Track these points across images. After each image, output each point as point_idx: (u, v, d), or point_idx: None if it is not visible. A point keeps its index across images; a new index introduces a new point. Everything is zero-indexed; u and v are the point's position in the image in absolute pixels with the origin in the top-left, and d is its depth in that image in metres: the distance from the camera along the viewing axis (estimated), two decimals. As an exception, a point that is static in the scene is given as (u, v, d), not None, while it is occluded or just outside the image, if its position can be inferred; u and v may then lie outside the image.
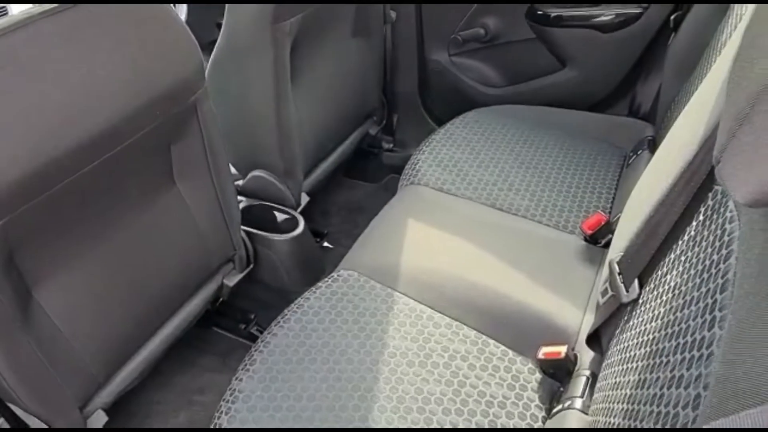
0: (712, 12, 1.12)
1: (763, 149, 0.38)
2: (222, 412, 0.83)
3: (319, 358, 0.88)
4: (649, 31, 1.42)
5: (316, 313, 0.95)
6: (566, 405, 0.78)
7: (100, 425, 1.00)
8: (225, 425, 0.81)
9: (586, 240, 1.08)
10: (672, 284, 0.62)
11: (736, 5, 1.02)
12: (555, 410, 0.79)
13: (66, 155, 0.76)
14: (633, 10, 1.43)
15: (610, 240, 1.03)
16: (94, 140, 0.78)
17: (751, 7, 0.82)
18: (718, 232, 0.52)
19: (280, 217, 1.40)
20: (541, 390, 0.87)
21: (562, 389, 0.85)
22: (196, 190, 1.07)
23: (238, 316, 1.39)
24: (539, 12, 1.52)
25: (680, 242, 0.63)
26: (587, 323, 0.89)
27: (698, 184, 0.62)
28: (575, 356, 0.87)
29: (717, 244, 0.50)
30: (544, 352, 0.87)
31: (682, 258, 0.60)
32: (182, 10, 1.88)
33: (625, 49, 1.47)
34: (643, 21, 1.42)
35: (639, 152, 1.27)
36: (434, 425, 0.80)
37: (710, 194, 0.59)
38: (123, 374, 1.04)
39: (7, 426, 0.88)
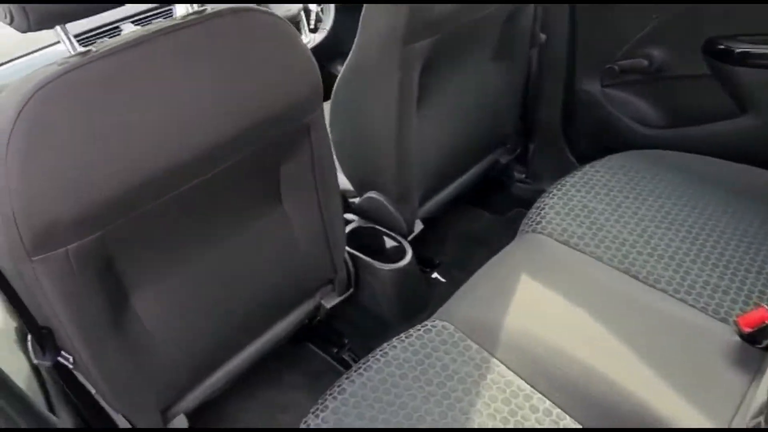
0: None
1: None
2: None
3: (394, 421, 0.80)
4: None
5: (400, 365, 0.87)
6: None
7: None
8: None
9: (741, 336, 0.87)
10: None
11: None
12: None
13: (168, 172, 0.75)
14: None
15: (775, 344, 0.82)
16: (197, 159, 0.77)
17: None
18: None
19: (388, 243, 1.34)
20: None
21: None
22: (301, 210, 1.04)
23: (332, 338, 1.35)
24: (721, 46, 1.28)
25: None
26: (728, 451, 0.70)
27: None
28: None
29: None
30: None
31: None
32: (329, 16, 1.89)
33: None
34: None
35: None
36: None
37: None
38: (209, 382, 1.04)
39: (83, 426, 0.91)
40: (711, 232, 1.07)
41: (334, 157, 1.05)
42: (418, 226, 1.40)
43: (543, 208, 1.15)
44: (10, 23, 0.62)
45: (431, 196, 1.43)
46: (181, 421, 1.02)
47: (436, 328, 0.93)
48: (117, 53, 0.68)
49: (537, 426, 0.79)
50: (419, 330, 0.93)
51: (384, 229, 1.34)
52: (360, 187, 1.37)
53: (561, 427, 0.79)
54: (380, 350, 0.90)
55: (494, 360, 0.87)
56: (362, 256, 1.28)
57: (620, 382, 0.81)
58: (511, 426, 0.79)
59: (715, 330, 0.90)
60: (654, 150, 1.32)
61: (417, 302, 1.38)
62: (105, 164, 0.69)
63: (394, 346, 0.90)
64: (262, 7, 0.80)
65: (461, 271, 1.64)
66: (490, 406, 0.81)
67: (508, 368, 0.86)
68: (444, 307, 1.00)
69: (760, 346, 0.85)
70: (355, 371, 0.87)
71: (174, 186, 0.78)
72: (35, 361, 0.87)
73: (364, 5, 1.08)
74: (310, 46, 1.75)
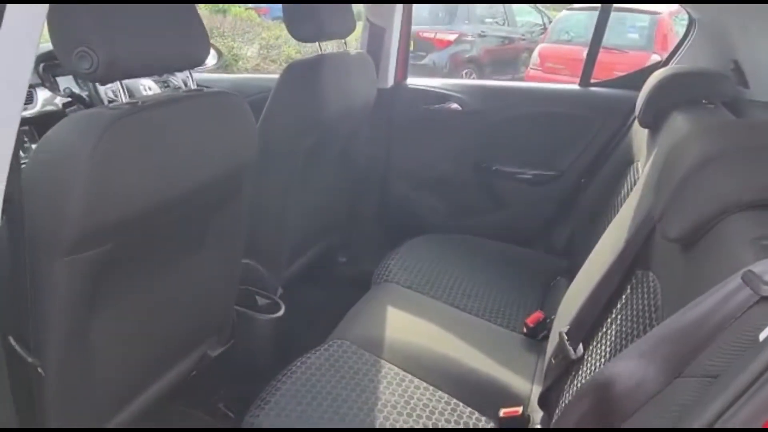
0: (614, 177, 1.58)
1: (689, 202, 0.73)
2: None
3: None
4: (564, 189, 1.88)
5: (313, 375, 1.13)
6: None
7: None
8: None
9: (525, 335, 1.37)
10: (609, 342, 0.91)
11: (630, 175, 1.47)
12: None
13: (174, 201, 0.96)
14: (550, 172, 1.90)
15: (546, 335, 1.33)
16: (184, 197, 0.99)
17: (644, 174, 1.24)
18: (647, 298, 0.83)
19: (261, 301, 1.57)
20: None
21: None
22: (221, 254, 1.23)
23: (207, 390, 1.48)
24: (483, 165, 1.95)
25: (614, 311, 0.94)
26: (535, 391, 1.15)
27: (625, 268, 0.95)
28: (528, 416, 1.11)
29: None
30: (503, 411, 1.11)
31: (618, 320, 0.91)
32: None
33: (545, 200, 1.92)
34: (559, 182, 1.89)
35: (558, 278, 1.63)
36: None
37: (633, 276, 0.92)
38: (137, 401, 1.12)
39: None
40: (490, 279, 1.60)
41: None
42: (279, 292, 1.66)
43: (388, 266, 1.57)
44: (94, 71, 0.81)
45: (289, 266, 1.73)
46: None
47: (336, 345, 1.22)
48: (162, 106, 0.92)
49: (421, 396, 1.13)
50: (319, 349, 1.21)
51: (256, 289, 1.58)
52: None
53: (437, 396, 1.14)
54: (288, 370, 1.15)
55: (383, 360, 1.20)
56: (242, 308, 1.49)
57: (455, 357, 1.23)
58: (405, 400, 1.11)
59: (510, 334, 1.38)
60: (448, 235, 1.87)
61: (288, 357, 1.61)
62: (145, 186, 0.89)
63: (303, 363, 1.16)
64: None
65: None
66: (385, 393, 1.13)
67: (395, 365, 1.20)
68: (336, 331, 1.30)
69: (537, 338, 1.35)
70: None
71: (172, 216, 0.99)
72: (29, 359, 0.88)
73: None
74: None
